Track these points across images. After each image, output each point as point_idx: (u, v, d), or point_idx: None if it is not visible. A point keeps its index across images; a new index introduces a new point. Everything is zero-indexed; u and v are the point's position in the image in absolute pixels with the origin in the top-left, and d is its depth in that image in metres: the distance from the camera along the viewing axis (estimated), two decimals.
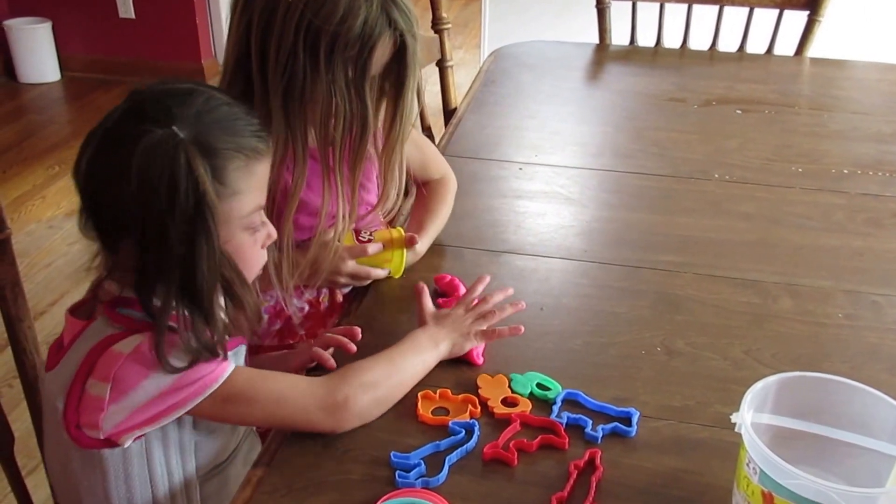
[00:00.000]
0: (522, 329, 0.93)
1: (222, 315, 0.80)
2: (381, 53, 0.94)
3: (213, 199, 0.72)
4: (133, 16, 3.60)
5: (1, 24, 3.60)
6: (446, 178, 1.23)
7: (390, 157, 1.04)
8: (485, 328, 0.92)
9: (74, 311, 0.81)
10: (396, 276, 1.08)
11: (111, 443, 0.77)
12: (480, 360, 0.92)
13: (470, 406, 0.86)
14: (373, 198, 1.11)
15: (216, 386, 0.76)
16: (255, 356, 0.99)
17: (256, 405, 0.79)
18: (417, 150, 1.19)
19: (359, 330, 0.92)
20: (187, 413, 0.77)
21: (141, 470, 0.81)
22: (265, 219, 0.83)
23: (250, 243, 0.81)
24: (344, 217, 1.02)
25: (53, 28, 3.65)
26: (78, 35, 3.71)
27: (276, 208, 0.96)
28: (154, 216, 0.71)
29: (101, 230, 0.76)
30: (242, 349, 0.88)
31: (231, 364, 0.78)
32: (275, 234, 0.85)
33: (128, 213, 0.73)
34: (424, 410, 0.84)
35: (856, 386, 0.75)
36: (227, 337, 0.79)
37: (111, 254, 0.77)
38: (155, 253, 0.73)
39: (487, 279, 1.00)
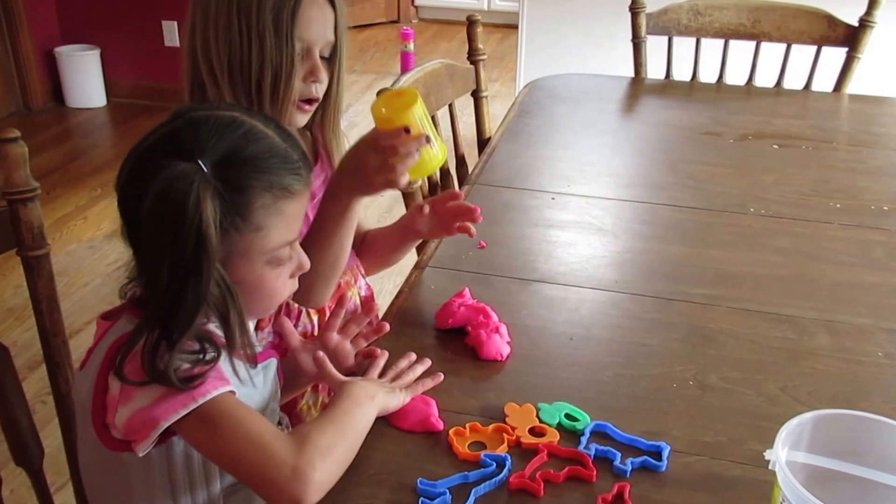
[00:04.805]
0: (442, 376, 0.91)
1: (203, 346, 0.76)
2: (310, 7, 0.99)
3: (213, 245, 0.72)
4: (178, 44, 3.70)
5: (52, 51, 3.74)
6: None
7: (334, 118, 1.10)
8: (407, 384, 0.89)
9: (105, 315, 0.83)
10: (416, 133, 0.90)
11: (129, 446, 0.76)
12: (441, 425, 0.86)
13: (505, 434, 0.85)
14: None
15: (202, 401, 0.73)
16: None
17: (229, 436, 0.74)
18: None
19: (386, 326, 0.95)
20: (173, 427, 0.74)
21: (162, 481, 0.80)
22: (297, 250, 0.83)
23: (273, 276, 0.81)
24: None
25: (101, 55, 3.78)
26: (125, 62, 3.84)
27: None
28: (154, 246, 0.72)
29: (128, 238, 0.78)
30: (273, 363, 0.88)
31: (225, 385, 0.75)
32: (307, 264, 0.84)
33: (139, 234, 0.74)
34: (460, 446, 0.83)
35: None
36: (200, 367, 0.75)
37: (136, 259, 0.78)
38: (149, 278, 0.74)
39: (412, 357, 0.94)
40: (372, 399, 0.83)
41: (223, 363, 0.77)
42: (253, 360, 0.81)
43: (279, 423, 0.94)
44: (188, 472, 0.81)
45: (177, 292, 0.72)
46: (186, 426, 0.74)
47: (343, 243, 1.01)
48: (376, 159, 0.91)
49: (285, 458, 0.72)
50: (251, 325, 0.87)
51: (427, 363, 0.93)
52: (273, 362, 0.88)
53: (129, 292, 0.79)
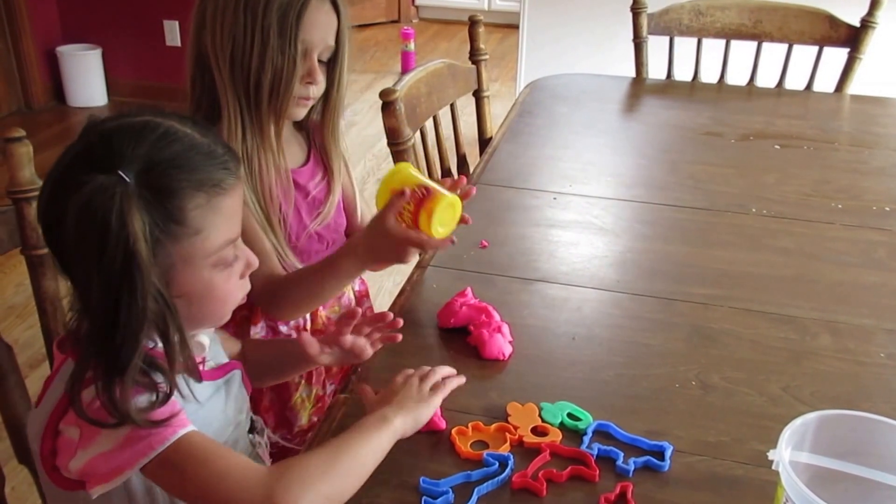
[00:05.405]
0: (464, 378, 0.89)
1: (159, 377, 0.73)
2: (316, 12, 1.00)
3: (144, 259, 0.68)
4: (179, 44, 3.70)
5: (53, 50, 3.74)
6: None
7: (332, 122, 1.11)
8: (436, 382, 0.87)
9: (60, 344, 0.79)
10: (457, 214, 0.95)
11: (83, 486, 0.73)
12: (443, 424, 0.86)
13: (507, 434, 0.85)
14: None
15: (161, 448, 0.70)
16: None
17: (194, 477, 0.70)
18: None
19: (400, 321, 0.92)
20: (141, 471, 0.71)
21: None
22: (242, 249, 0.79)
23: (222, 279, 0.77)
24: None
25: (103, 54, 3.78)
26: (126, 61, 3.83)
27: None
28: (82, 267, 0.69)
29: (61, 267, 0.74)
30: (236, 375, 0.87)
31: (185, 427, 0.71)
32: (255, 262, 0.80)
33: (67, 259, 0.72)
34: (463, 446, 0.83)
35: None
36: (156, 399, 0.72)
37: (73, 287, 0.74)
38: (82, 303, 0.71)
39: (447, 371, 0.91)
40: (386, 423, 0.77)
41: (180, 382, 0.74)
42: (197, 376, 0.77)
43: (253, 428, 0.93)
44: (150, 500, 0.78)
45: (112, 314, 0.68)
46: (149, 469, 0.71)
47: (345, 285, 1.11)
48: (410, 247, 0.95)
49: (257, 493, 0.68)
50: (209, 332, 0.86)
51: (462, 379, 0.90)
52: (236, 374, 0.87)
53: (75, 324, 0.75)
